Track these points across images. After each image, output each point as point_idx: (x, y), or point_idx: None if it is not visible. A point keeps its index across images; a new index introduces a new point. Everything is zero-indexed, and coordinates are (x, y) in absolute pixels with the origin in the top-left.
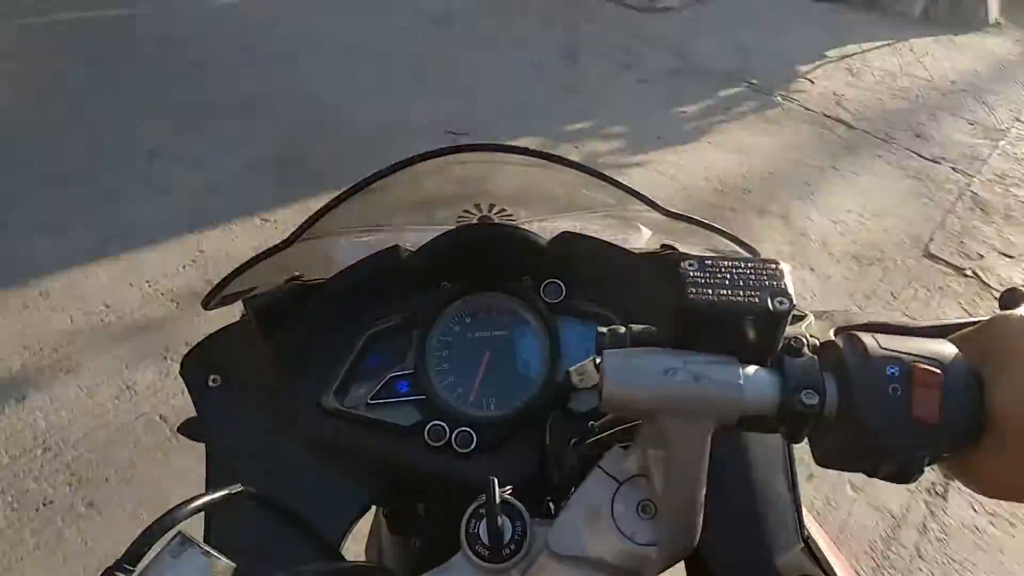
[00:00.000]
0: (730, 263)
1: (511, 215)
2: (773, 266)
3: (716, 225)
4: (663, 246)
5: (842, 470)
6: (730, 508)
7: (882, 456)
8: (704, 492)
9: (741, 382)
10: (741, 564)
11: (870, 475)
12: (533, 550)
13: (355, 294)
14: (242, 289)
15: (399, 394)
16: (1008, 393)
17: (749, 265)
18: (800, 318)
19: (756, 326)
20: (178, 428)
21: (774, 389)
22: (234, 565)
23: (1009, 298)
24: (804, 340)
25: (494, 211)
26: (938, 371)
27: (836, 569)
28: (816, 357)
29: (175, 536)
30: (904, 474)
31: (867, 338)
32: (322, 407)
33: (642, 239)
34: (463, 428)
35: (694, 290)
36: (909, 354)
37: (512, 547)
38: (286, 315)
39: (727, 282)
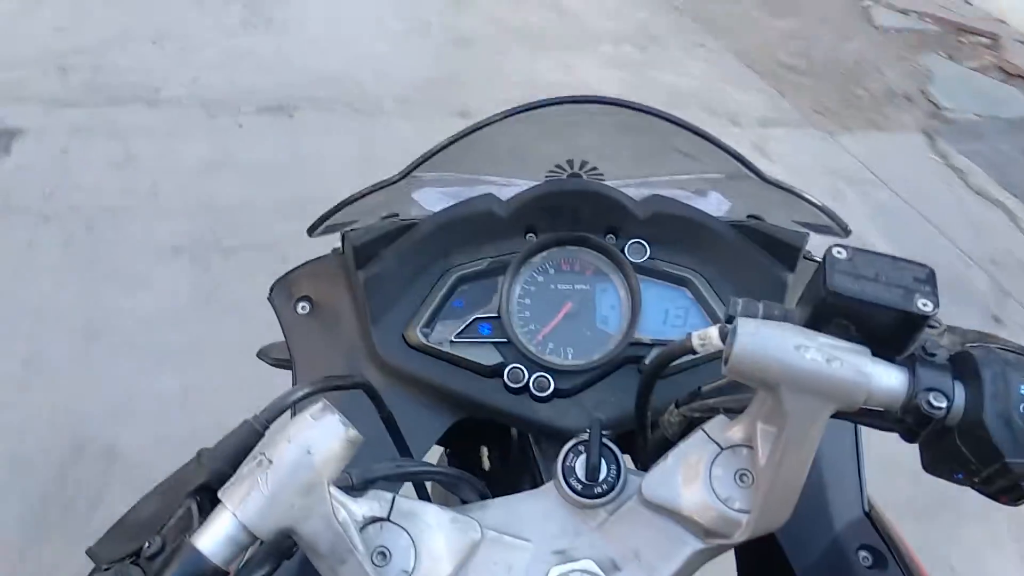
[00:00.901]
0: (878, 257)
1: (601, 174)
2: (921, 267)
3: (811, 197)
4: (749, 216)
5: (949, 480)
6: None
7: (998, 472)
8: (808, 472)
9: (871, 371)
10: (801, 527)
11: (977, 488)
12: (624, 494)
13: (447, 236)
14: (342, 222)
15: (482, 336)
16: None
17: (898, 263)
18: (932, 328)
19: (896, 322)
20: (257, 353)
21: (902, 385)
22: (363, 438)
23: None
24: (938, 345)
25: (585, 168)
26: None
27: (898, 543)
28: (948, 363)
29: (318, 404)
30: (1016, 494)
31: (1005, 354)
32: (407, 341)
33: (723, 208)
34: (541, 373)
35: (841, 276)
36: None
37: (605, 486)
38: (380, 250)
39: (873, 275)
